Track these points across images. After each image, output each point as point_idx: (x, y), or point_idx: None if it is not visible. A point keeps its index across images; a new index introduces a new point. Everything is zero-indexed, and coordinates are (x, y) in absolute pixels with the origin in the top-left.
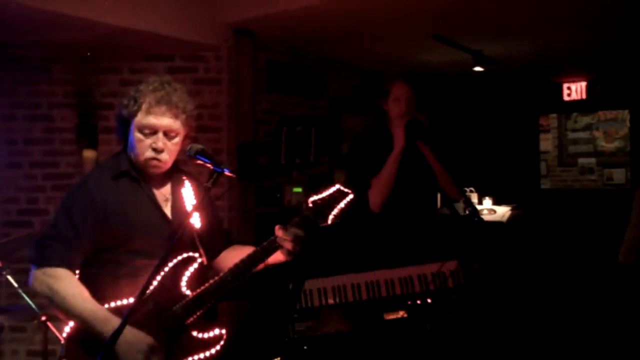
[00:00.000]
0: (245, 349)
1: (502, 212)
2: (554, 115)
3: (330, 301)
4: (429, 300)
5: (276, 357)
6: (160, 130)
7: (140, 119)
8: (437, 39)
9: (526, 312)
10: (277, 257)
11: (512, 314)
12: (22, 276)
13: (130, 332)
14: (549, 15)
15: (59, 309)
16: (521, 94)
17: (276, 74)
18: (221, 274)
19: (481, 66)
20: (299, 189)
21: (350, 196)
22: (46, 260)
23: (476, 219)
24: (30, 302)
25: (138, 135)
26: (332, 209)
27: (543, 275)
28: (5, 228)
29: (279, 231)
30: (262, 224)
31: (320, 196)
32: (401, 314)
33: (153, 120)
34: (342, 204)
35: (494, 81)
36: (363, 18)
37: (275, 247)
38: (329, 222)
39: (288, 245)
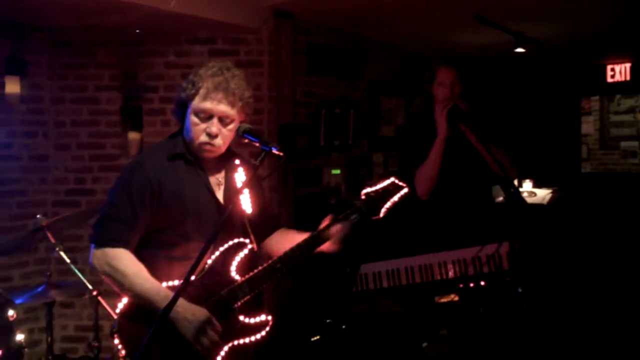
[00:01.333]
0: (286, 325)
1: (543, 194)
2: (596, 97)
3: (385, 285)
4: (482, 283)
5: (316, 336)
6: (215, 115)
7: (197, 103)
8: (479, 20)
9: (566, 297)
10: (325, 246)
11: (553, 298)
12: (74, 253)
13: (189, 307)
14: None
15: (120, 287)
16: (563, 76)
17: (315, 56)
18: (270, 262)
19: (523, 47)
20: (338, 171)
21: (405, 190)
22: (106, 240)
23: (518, 198)
24: (82, 278)
25: (194, 118)
26: (385, 202)
27: (584, 259)
28: (54, 207)
29: (333, 225)
30: (301, 205)
31: (374, 188)
32: (453, 297)
33: (209, 105)
34: (395, 198)
35: (535, 63)
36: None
37: (326, 238)
38: (381, 215)
39: (339, 238)
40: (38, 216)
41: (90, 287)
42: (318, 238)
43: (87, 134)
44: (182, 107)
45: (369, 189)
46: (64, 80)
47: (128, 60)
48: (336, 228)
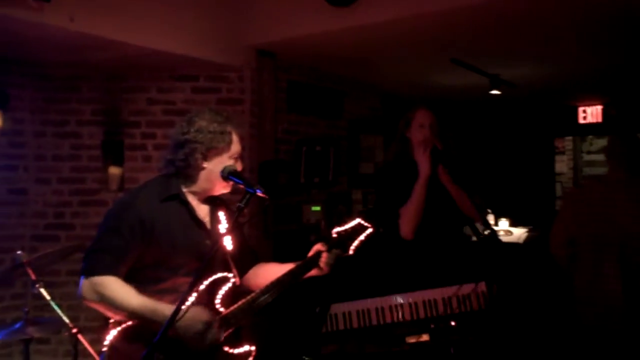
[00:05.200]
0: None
1: (519, 233)
2: (569, 137)
3: (355, 325)
4: (452, 323)
5: None
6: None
7: (234, 148)
8: (455, 63)
9: (544, 334)
10: (314, 271)
11: (529, 336)
12: (51, 288)
13: (190, 311)
14: (565, 40)
15: (112, 310)
16: (537, 117)
17: (297, 95)
18: (253, 295)
19: (498, 90)
20: (318, 208)
21: (370, 230)
22: (94, 270)
23: (495, 240)
24: (62, 315)
25: (233, 162)
26: (353, 241)
27: (559, 297)
28: (32, 242)
29: (324, 253)
30: (281, 241)
31: (343, 228)
32: (424, 337)
33: (240, 147)
34: (362, 237)
35: (510, 104)
36: (382, 43)
37: (315, 265)
38: (351, 252)
39: (329, 263)
40: (19, 252)
41: (69, 324)
42: (307, 266)
43: (68, 168)
44: (197, 157)
45: (339, 229)
46: (46, 114)
47: (111, 96)
48: (325, 256)
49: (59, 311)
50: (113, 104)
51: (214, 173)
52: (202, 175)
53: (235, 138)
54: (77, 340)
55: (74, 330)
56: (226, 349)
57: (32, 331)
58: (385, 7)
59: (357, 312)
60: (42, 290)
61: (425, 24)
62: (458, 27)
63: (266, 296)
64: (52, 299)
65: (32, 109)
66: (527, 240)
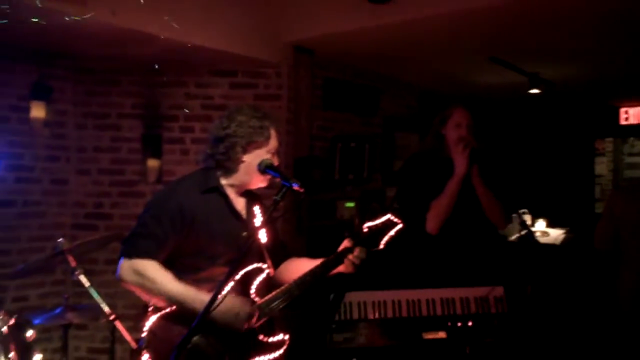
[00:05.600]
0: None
1: (556, 234)
2: (610, 139)
3: (370, 315)
4: (469, 323)
5: None
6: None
7: (273, 144)
8: (494, 61)
9: (576, 337)
10: (342, 267)
11: (562, 338)
12: (90, 276)
13: (228, 299)
14: (607, 38)
15: (150, 293)
16: (577, 117)
17: (333, 92)
18: (287, 285)
19: (537, 89)
20: (351, 204)
21: (400, 225)
22: (135, 252)
23: (532, 240)
24: (101, 302)
25: (270, 157)
26: (383, 236)
27: (595, 300)
28: (72, 230)
29: (356, 248)
30: (315, 237)
31: (374, 223)
32: (440, 334)
33: (277, 143)
34: (392, 232)
35: (549, 104)
36: (419, 40)
37: (341, 261)
38: (381, 247)
39: (361, 257)
40: (60, 240)
41: (107, 310)
42: (340, 258)
43: (108, 159)
44: (236, 151)
45: (370, 223)
46: (87, 106)
47: (150, 90)
48: (357, 251)
49: (97, 298)
50: (152, 98)
51: (252, 166)
52: (241, 168)
53: (273, 133)
54: (114, 327)
55: (112, 317)
56: (261, 337)
57: (72, 317)
58: (423, 4)
59: (373, 302)
60: (82, 277)
61: (463, 21)
62: (497, 24)
63: (294, 290)
64: (91, 286)
65: (74, 101)
66: (564, 241)
